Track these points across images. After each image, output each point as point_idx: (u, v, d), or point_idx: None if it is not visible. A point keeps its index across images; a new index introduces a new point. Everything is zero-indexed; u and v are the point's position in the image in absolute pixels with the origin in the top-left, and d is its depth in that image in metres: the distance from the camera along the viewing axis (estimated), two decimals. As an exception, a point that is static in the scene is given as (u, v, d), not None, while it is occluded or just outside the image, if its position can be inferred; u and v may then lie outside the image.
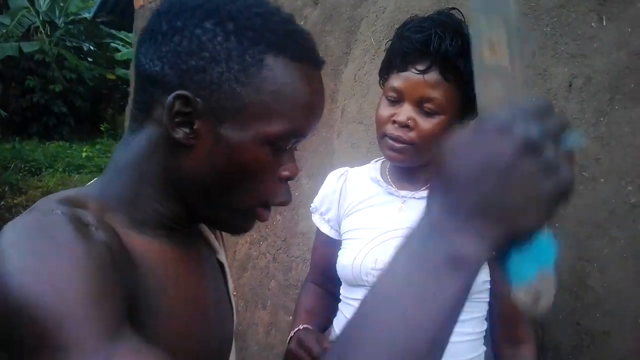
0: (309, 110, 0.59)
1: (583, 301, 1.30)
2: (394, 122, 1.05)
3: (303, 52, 0.58)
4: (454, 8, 1.09)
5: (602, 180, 1.27)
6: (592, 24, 1.30)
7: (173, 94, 0.54)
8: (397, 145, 1.05)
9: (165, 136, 0.56)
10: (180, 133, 0.55)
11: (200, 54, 0.54)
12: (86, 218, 0.52)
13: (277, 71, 0.56)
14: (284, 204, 0.62)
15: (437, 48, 1.00)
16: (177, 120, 0.55)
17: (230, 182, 0.58)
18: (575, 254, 1.32)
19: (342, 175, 1.25)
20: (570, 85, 1.35)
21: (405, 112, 1.04)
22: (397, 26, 1.12)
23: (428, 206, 0.44)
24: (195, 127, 0.55)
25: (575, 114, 1.33)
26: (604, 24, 1.28)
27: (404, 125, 1.04)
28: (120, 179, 0.60)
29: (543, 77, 1.40)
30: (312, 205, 1.29)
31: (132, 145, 0.60)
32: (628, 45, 1.23)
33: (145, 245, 0.57)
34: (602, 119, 1.28)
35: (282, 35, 0.56)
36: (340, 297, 1.20)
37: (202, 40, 0.54)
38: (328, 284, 1.26)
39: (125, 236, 0.55)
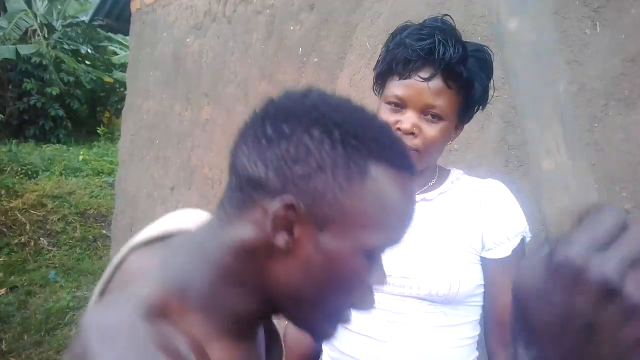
0: (406, 218, 0.59)
1: (577, 307, 1.30)
2: (398, 129, 1.04)
3: (402, 160, 0.57)
4: (446, 14, 1.09)
5: (597, 186, 1.27)
6: (587, 31, 1.30)
7: (280, 199, 0.53)
8: None
9: (262, 239, 0.55)
10: (280, 239, 0.54)
11: (307, 161, 0.53)
12: (174, 343, 0.51)
13: (379, 180, 0.55)
14: (367, 309, 0.61)
15: (442, 56, 1.00)
16: (278, 223, 0.54)
17: (323, 290, 0.57)
18: (569, 260, 1.32)
19: None
20: (564, 91, 1.35)
21: (410, 119, 1.04)
22: (392, 31, 1.12)
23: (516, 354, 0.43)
24: (295, 232, 0.54)
25: (570, 120, 1.33)
26: (598, 30, 1.28)
27: (409, 133, 1.04)
28: (203, 274, 0.58)
29: (537, 83, 1.41)
30: None
31: (220, 240, 0.58)
32: (622, 51, 1.23)
33: (225, 355, 0.57)
34: (596, 125, 1.28)
35: (382, 143, 0.56)
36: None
37: (310, 148, 0.53)
38: None
39: (207, 345, 0.55)
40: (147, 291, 0.55)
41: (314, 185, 0.53)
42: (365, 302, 0.60)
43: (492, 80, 1.11)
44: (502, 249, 1.09)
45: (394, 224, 0.57)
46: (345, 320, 0.61)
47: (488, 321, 1.14)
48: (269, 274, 0.57)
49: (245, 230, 0.56)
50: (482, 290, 1.12)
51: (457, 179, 1.16)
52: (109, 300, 0.57)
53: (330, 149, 0.53)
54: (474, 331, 1.14)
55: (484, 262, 1.11)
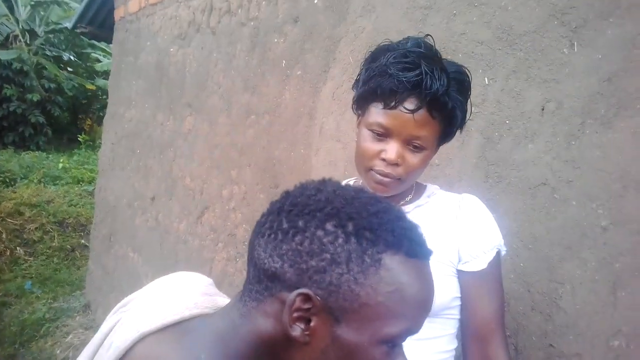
0: (424, 306, 0.60)
1: (555, 323, 1.31)
2: (383, 159, 1.05)
3: (417, 248, 0.58)
4: (427, 35, 1.09)
5: (574, 202, 1.29)
6: (564, 50, 1.33)
7: (296, 292, 0.55)
8: (386, 180, 1.06)
9: (279, 331, 0.57)
10: (297, 330, 0.56)
11: (321, 255, 0.55)
12: None
13: (394, 271, 0.56)
14: None
15: (429, 89, 1.00)
16: (295, 315, 0.56)
17: None
18: (547, 276, 1.33)
19: None
20: (543, 109, 1.37)
21: (395, 149, 1.04)
22: (372, 50, 1.12)
23: None
24: (312, 324, 0.56)
25: (548, 137, 1.35)
26: (576, 50, 1.30)
27: (394, 164, 1.04)
28: (233, 351, 0.60)
29: (517, 100, 1.43)
30: None
31: (239, 331, 0.60)
32: (598, 71, 1.26)
33: None
34: (573, 143, 1.30)
35: (397, 234, 0.57)
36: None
37: (324, 242, 0.56)
38: None
39: None
40: None
41: (330, 279, 0.55)
42: None
43: (469, 100, 1.12)
44: (478, 262, 1.11)
45: (413, 313, 0.58)
46: None
47: (465, 334, 1.14)
48: None
49: (263, 322, 0.59)
50: (458, 303, 1.13)
51: (433, 193, 1.18)
52: None
53: (344, 243, 0.55)
54: (451, 344, 1.14)
55: (460, 275, 1.12)
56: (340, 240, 0.55)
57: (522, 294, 1.39)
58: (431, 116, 1.03)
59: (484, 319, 1.11)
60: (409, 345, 1.06)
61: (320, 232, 0.56)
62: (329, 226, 0.56)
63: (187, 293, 0.71)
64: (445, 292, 1.09)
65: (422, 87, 0.99)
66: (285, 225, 0.57)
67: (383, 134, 1.05)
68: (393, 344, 0.58)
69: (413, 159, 1.05)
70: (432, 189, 1.19)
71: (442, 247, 1.10)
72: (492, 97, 1.49)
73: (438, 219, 1.13)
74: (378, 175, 1.06)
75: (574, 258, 1.28)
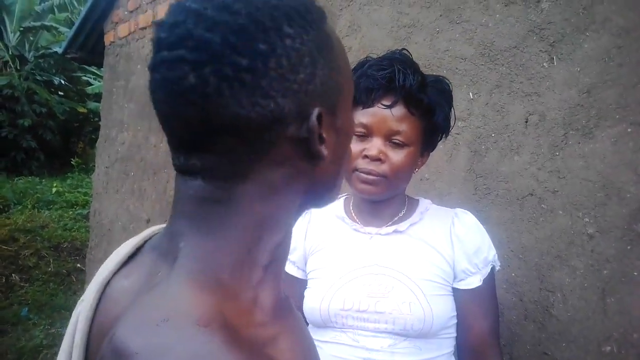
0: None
1: (548, 331, 1.33)
2: (366, 156, 1.08)
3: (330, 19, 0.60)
4: (404, 49, 1.15)
5: (560, 212, 1.32)
6: (544, 64, 1.37)
7: (314, 117, 0.50)
8: (371, 177, 1.08)
9: (294, 166, 0.52)
10: (324, 151, 0.52)
11: (303, 61, 0.49)
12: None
13: (334, 37, 0.55)
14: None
15: (402, 83, 1.06)
16: (319, 137, 0.51)
17: (346, 157, 0.60)
18: (538, 285, 1.36)
19: (306, 214, 1.26)
20: (526, 122, 1.41)
21: (376, 146, 1.07)
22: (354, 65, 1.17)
23: None
24: (324, 135, 0.52)
25: (533, 149, 1.38)
26: (555, 64, 1.35)
27: (376, 159, 1.07)
28: (230, 244, 0.51)
29: (501, 114, 1.46)
30: None
31: (235, 205, 0.51)
32: (578, 83, 1.30)
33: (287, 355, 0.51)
34: (557, 154, 1.34)
35: (319, 10, 0.54)
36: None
37: (297, 48, 0.48)
38: None
39: (272, 353, 0.48)
40: (193, 308, 0.46)
41: (319, 81, 0.50)
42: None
43: (452, 109, 1.15)
44: (473, 279, 1.12)
45: (350, 70, 0.60)
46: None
47: (462, 350, 1.15)
48: (312, 185, 0.55)
49: (264, 175, 0.51)
50: (454, 321, 1.14)
51: (426, 209, 1.19)
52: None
53: (307, 37, 0.49)
54: (448, 362, 1.15)
55: (456, 292, 1.13)
56: (304, 37, 0.49)
57: (515, 303, 1.41)
58: (409, 112, 1.07)
59: (480, 335, 1.12)
60: None
61: (288, 41, 0.48)
62: (288, 28, 0.48)
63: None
64: (443, 312, 1.09)
65: (396, 82, 1.05)
66: (245, 61, 0.46)
67: (365, 134, 1.09)
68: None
69: (396, 155, 1.08)
70: (425, 204, 1.20)
71: (437, 265, 1.11)
72: (478, 111, 1.53)
73: (432, 237, 1.14)
74: (363, 174, 1.09)
75: (563, 266, 1.31)
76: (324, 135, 0.52)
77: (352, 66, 1.16)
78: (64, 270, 6.24)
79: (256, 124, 0.48)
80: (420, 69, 1.12)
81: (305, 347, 0.56)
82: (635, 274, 1.18)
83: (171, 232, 0.53)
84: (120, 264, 0.59)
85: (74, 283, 6.05)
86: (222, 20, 0.46)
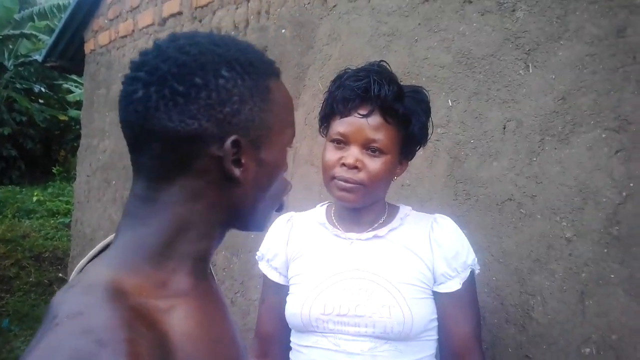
0: (293, 109, 0.73)
1: (529, 334, 1.35)
2: (343, 164, 1.10)
3: (277, 69, 0.70)
4: (382, 61, 1.17)
5: (539, 216, 1.35)
6: (520, 72, 1.39)
7: (229, 141, 0.60)
8: (348, 185, 1.10)
9: (215, 180, 0.63)
10: (237, 172, 0.62)
11: (232, 99, 0.61)
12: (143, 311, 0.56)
13: (277, 91, 0.67)
14: (289, 190, 0.75)
15: (377, 93, 1.08)
16: (232, 159, 0.62)
17: (267, 190, 0.69)
18: (518, 288, 1.38)
19: (288, 220, 1.27)
20: (504, 128, 1.43)
21: (353, 154, 1.10)
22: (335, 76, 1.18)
23: None
24: (243, 162, 0.63)
25: (511, 155, 1.41)
26: (531, 71, 1.37)
27: (353, 167, 1.09)
28: (153, 240, 0.63)
29: (479, 120, 1.49)
30: (258, 253, 1.30)
31: (160, 204, 0.63)
32: (553, 90, 1.32)
33: (181, 324, 0.60)
34: (534, 159, 1.36)
35: (266, 63, 0.67)
36: (291, 344, 1.21)
37: (228, 88, 0.61)
38: (275, 343, 1.26)
39: (162, 318, 0.58)
40: (108, 286, 0.58)
41: (244, 117, 0.62)
42: (288, 186, 0.74)
43: (430, 119, 1.17)
44: (453, 283, 1.14)
45: (293, 117, 0.71)
46: (281, 208, 0.74)
47: (444, 354, 1.17)
48: (227, 205, 0.65)
49: (187, 183, 0.62)
50: (435, 324, 1.15)
51: (406, 215, 1.21)
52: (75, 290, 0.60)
53: (242, 82, 0.62)
54: (430, 366, 1.16)
55: (436, 296, 1.14)
56: (239, 81, 0.61)
57: (496, 307, 1.43)
58: (385, 121, 1.10)
59: (462, 338, 1.14)
60: None
61: (221, 81, 0.60)
62: (225, 72, 0.61)
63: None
64: (423, 315, 1.11)
65: (371, 92, 1.08)
66: (180, 89, 0.59)
67: (342, 142, 1.12)
68: (289, 146, 0.71)
69: (373, 164, 1.10)
70: (405, 210, 1.22)
71: (417, 269, 1.13)
72: (456, 118, 1.55)
73: (412, 242, 1.16)
74: (340, 182, 1.11)
75: (542, 270, 1.33)
76: (243, 160, 0.63)
77: (335, 75, 1.18)
78: (45, 280, 6.15)
79: (181, 136, 0.59)
80: (398, 79, 1.13)
81: (206, 321, 0.64)
82: (613, 276, 1.21)
83: (117, 227, 0.66)
84: (94, 255, 0.70)
85: (56, 293, 5.96)
86: (174, 56, 0.60)
